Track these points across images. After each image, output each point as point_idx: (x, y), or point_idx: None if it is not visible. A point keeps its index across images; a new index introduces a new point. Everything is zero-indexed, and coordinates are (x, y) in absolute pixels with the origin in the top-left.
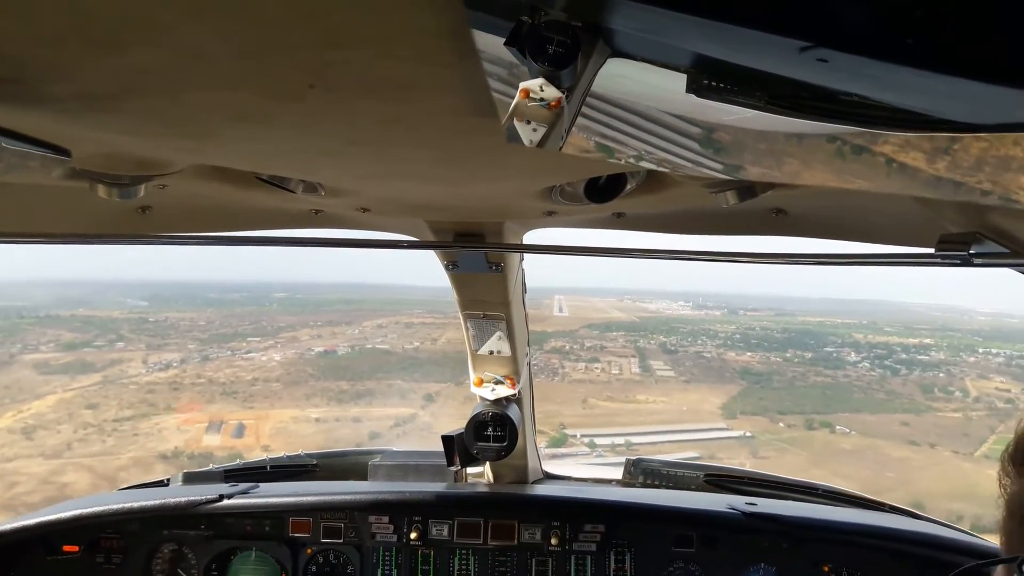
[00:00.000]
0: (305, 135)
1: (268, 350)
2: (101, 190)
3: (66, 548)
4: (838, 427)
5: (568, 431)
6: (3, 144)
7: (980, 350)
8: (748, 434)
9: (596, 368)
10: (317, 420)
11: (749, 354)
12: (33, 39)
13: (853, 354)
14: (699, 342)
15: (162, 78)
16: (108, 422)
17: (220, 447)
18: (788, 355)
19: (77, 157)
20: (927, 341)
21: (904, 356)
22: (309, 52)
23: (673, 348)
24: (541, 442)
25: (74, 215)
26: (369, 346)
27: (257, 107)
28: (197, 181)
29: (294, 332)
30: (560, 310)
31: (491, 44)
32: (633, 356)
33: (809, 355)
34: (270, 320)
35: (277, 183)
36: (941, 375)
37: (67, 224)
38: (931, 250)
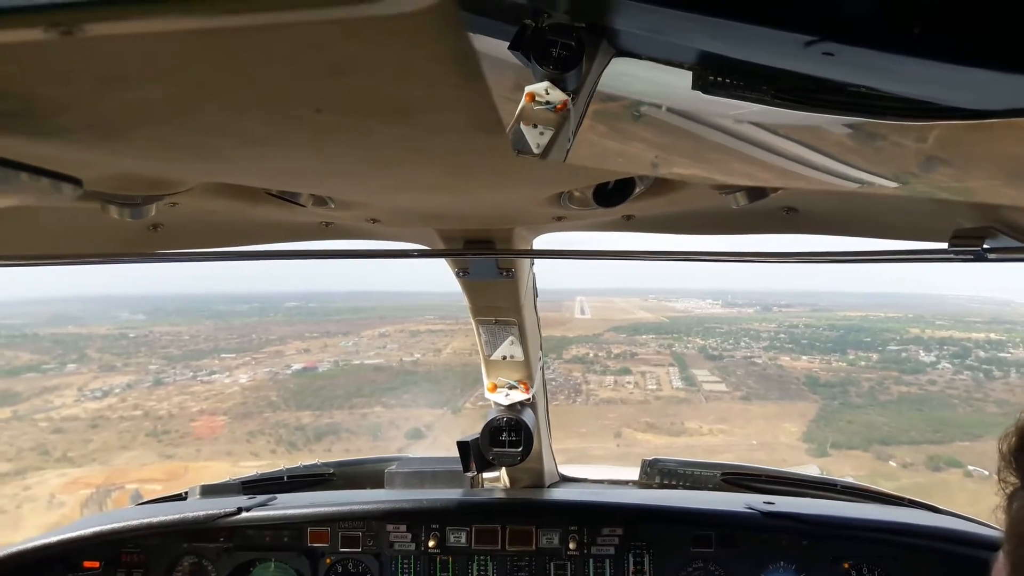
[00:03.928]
0: (313, 155)
1: (238, 368)
2: (112, 211)
3: (87, 564)
4: (970, 466)
5: None
6: (10, 176)
7: None
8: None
9: (628, 382)
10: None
11: (806, 358)
12: (41, 77)
13: (923, 353)
14: (743, 344)
15: (170, 108)
16: None
17: None
18: (851, 357)
19: (88, 182)
20: (993, 336)
21: (983, 354)
22: (314, 80)
23: (716, 353)
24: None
25: (86, 236)
26: (356, 362)
27: (265, 131)
28: (207, 198)
29: (281, 346)
30: (582, 312)
31: (494, 49)
32: (671, 365)
33: (874, 356)
34: (263, 332)
35: (287, 197)
36: None
37: (79, 245)
38: (944, 245)
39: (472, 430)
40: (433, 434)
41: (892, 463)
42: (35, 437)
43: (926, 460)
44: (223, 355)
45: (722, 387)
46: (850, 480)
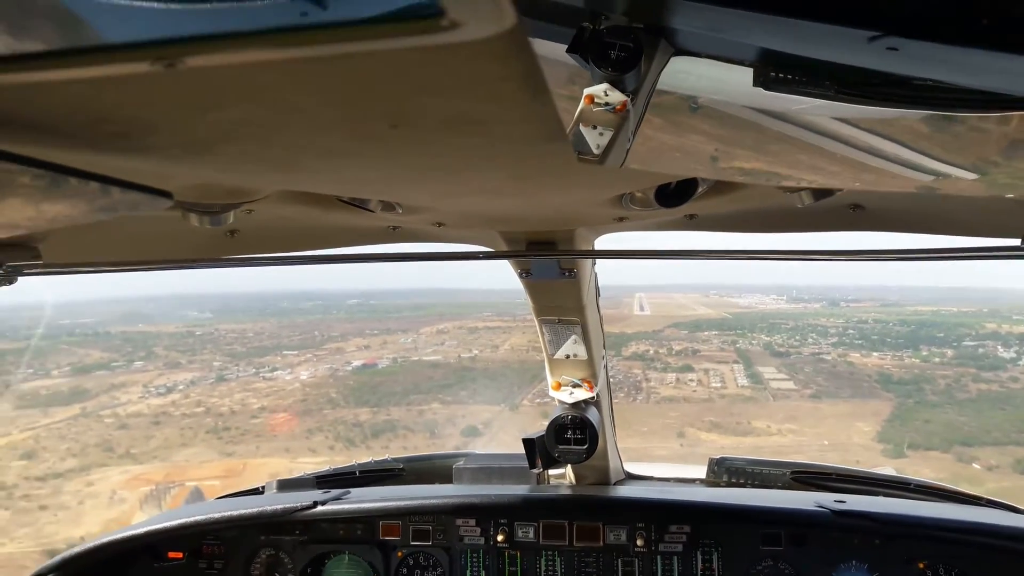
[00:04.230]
0: (385, 165)
1: (300, 366)
2: (193, 219)
3: (171, 555)
4: None
5: None
6: (111, 191)
7: None
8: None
9: (690, 379)
10: None
11: (877, 355)
12: (141, 103)
13: (1002, 349)
14: (810, 341)
15: (255, 127)
16: (29, 480)
17: None
18: (924, 354)
19: (175, 195)
20: None
21: None
22: (391, 101)
23: (782, 350)
24: None
25: (167, 241)
26: (415, 358)
27: (343, 145)
28: (282, 205)
29: (342, 343)
30: (641, 308)
31: (557, 55)
32: (736, 362)
33: (949, 352)
34: (325, 329)
35: (357, 203)
36: None
37: (160, 251)
38: (1017, 242)
39: (530, 428)
40: (491, 432)
41: (976, 466)
42: (101, 433)
43: (1013, 463)
44: (285, 352)
45: (790, 385)
46: (924, 479)
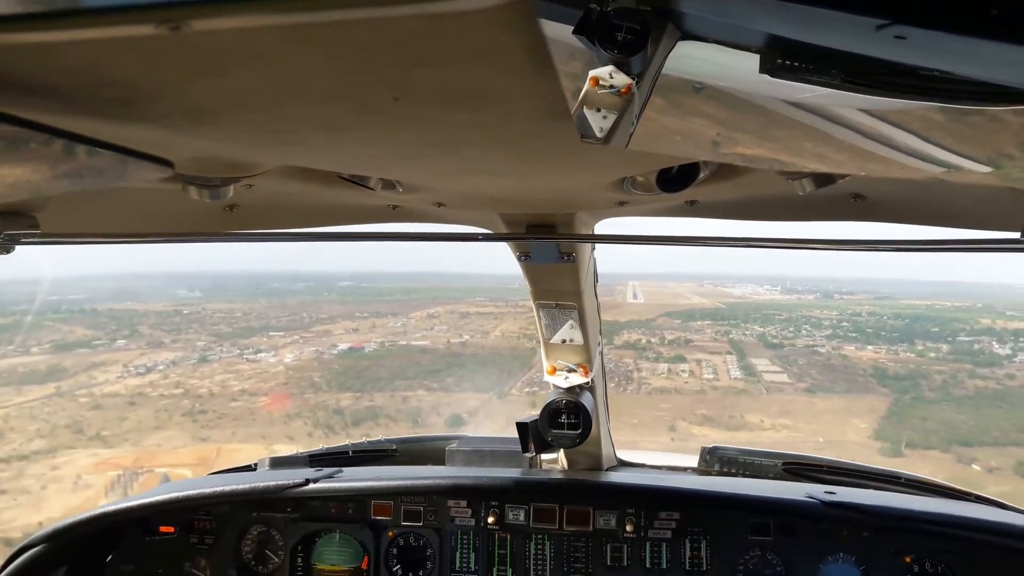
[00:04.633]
0: (387, 140)
1: (285, 348)
2: (193, 192)
3: (162, 529)
4: None
5: None
6: (112, 158)
7: None
8: None
9: (682, 370)
10: None
11: (871, 348)
12: (144, 67)
13: (997, 345)
14: (804, 332)
15: (257, 96)
16: None
17: None
18: (919, 348)
19: (176, 164)
20: None
21: None
22: (395, 71)
23: (776, 342)
24: None
25: (166, 215)
26: (403, 343)
27: (345, 118)
28: (282, 180)
29: (330, 325)
30: (635, 296)
31: (563, 35)
32: (729, 353)
33: (944, 347)
34: (314, 311)
35: (357, 181)
36: None
37: (159, 224)
38: (1017, 235)
39: (518, 418)
40: (476, 420)
41: (976, 467)
42: (73, 414)
43: (1015, 465)
44: (272, 333)
45: (784, 378)
46: (914, 474)
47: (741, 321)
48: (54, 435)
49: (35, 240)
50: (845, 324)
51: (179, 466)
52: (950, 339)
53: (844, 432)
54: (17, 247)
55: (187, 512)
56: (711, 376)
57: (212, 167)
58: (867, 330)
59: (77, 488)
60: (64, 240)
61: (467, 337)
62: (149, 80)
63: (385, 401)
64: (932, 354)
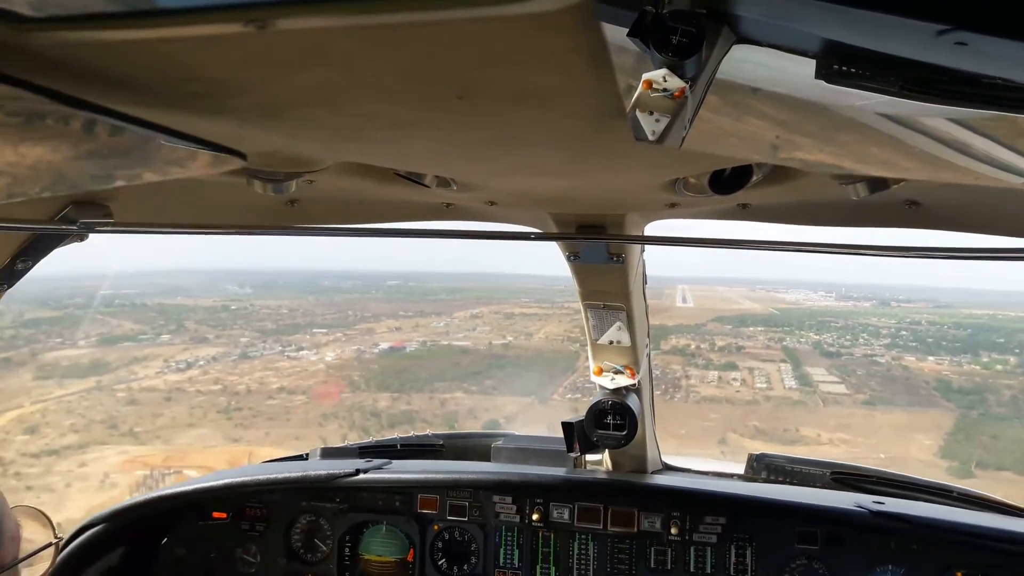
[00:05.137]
0: (447, 138)
1: (327, 346)
2: (257, 185)
3: (216, 515)
4: None
5: None
6: (191, 148)
7: None
8: None
9: (733, 378)
10: None
11: (933, 359)
12: (226, 63)
13: None
14: (861, 341)
15: (331, 93)
16: (25, 457)
17: None
18: (985, 360)
19: (248, 157)
20: None
21: None
22: (460, 70)
23: (832, 350)
24: None
25: (229, 208)
26: (445, 343)
27: (409, 115)
28: (341, 177)
29: (374, 323)
30: (684, 300)
31: (621, 37)
32: (783, 361)
33: (1012, 360)
34: (360, 309)
35: (413, 178)
36: None
37: (222, 216)
38: None
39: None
40: (514, 427)
41: None
42: (109, 409)
43: None
44: (315, 330)
45: (841, 388)
46: (967, 488)
47: (795, 328)
48: (88, 430)
49: (108, 229)
50: (904, 333)
51: (207, 469)
52: (1017, 351)
53: (907, 448)
54: (91, 235)
55: (240, 498)
56: (764, 385)
57: (279, 161)
58: (927, 340)
59: (103, 487)
60: (134, 229)
61: (510, 338)
62: (230, 75)
63: (423, 404)
64: (999, 366)
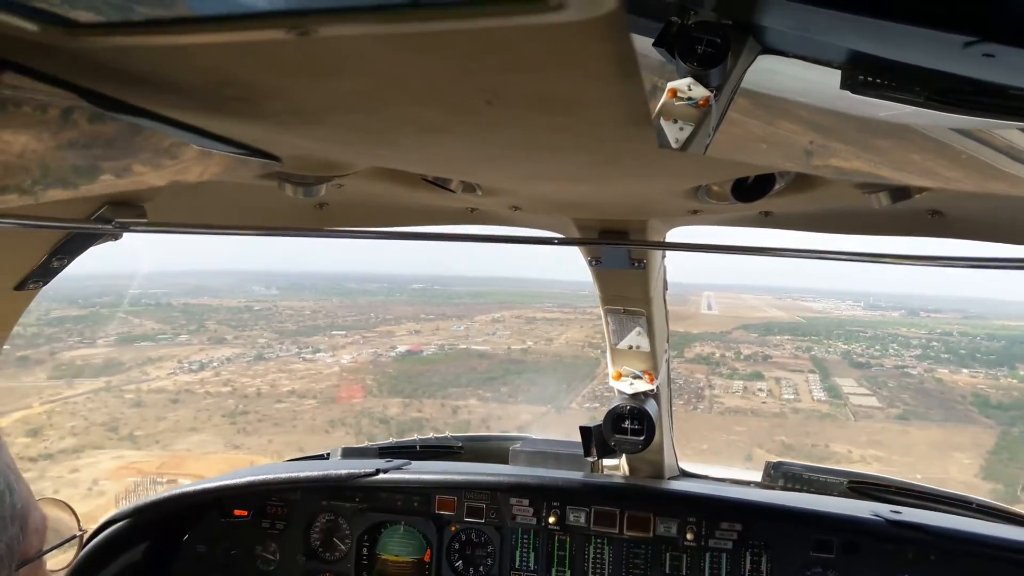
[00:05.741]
0: (475, 143)
1: (344, 348)
2: (288, 189)
3: (237, 512)
4: None
5: None
6: (228, 151)
7: None
8: None
9: (759, 389)
10: None
11: (967, 372)
12: (269, 68)
13: None
14: (891, 352)
15: (365, 98)
16: (23, 461)
17: None
18: (1022, 373)
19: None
20: None
21: None
22: (490, 76)
23: (862, 360)
24: None
25: (260, 211)
26: (463, 347)
27: (440, 121)
28: (370, 181)
29: (394, 326)
30: (709, 307)
31: (647, 44)
32: (811, 371)
33: None
34: (382, 311)
35: (439, 183)
36: None
37: (253, 218)
38: None
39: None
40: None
41: None
42: (113, 411)
43: None
44: (334, 332)
45: (873, 401)
46: (988, 500)
47: (823, 337)
48: (87, 433)
49: (142, 228)
50: (935, 344)
51: (200, 478)
52: None
53: (946, 468)
54: (125, 234)
55: (261, 496)
56: (791, 396)
57: (311, 165)
58: (960, 351)
59: (89, 495)
60: (167, 229)
61: (530, 343)
62: (269, 80)
63: (434, 411)
64: None
